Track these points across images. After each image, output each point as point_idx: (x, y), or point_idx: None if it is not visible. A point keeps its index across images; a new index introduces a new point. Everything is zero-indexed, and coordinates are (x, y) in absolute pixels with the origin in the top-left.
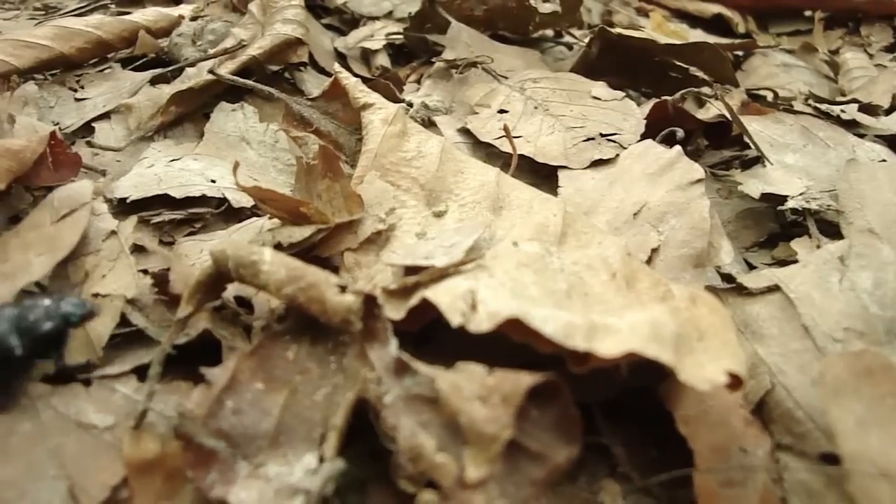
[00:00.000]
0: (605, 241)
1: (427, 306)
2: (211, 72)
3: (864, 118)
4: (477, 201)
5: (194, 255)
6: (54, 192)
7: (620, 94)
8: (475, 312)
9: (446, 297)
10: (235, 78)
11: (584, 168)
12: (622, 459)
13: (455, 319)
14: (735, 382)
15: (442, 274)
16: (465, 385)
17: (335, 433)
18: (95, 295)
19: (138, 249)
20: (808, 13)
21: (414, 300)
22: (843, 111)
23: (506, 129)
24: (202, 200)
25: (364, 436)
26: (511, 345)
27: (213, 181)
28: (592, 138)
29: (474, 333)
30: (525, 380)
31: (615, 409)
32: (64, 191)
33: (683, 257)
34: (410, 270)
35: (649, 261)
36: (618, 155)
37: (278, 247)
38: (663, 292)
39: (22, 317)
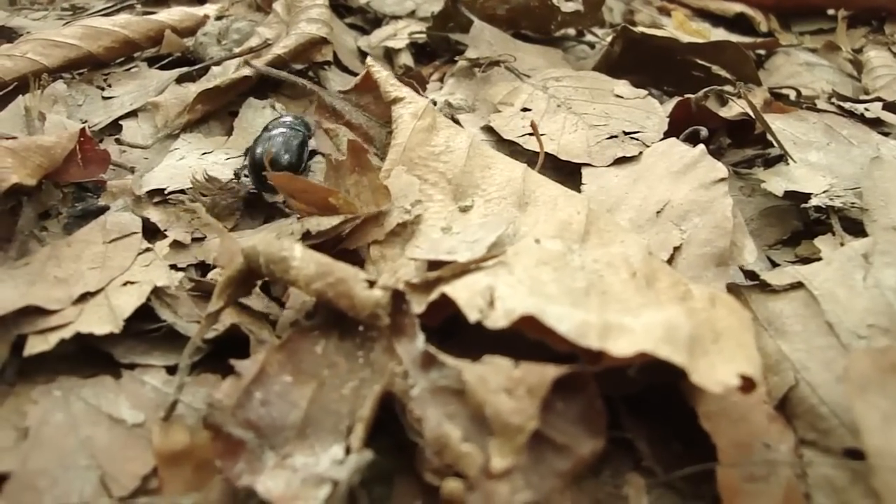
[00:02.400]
0: (627, 240)
1: (447, 301)
2: (247, 63)
3: (888, 116)
4: (503, 197)
5: None
6: (106, 216)
7: (643, 92)
8: (492, 309)
9: (465, 293)
10: (271, 69)
11: (608, 166)
12: (646, 454)
13: (473, 315)
14: (748, 385)
15: (463, 269)
16: (492, 377)
17: (362, 425)
18: (126, 283)
19: (173, 245)
20: (831, 12)
21: (434, 295)
22: (866, 109)
23: (533, 125)
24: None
25: (390, 429)
26: (532, 341)
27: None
28: (615, 136)
29: (492, 330)
30: (551, 372)
31: (639, 404)
32: (115, 217)
33: (706, 256)
34: (433, 265)
35: (671, 259)
36: (641, 153)
37: (307, 234)
38: (682, 292)
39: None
